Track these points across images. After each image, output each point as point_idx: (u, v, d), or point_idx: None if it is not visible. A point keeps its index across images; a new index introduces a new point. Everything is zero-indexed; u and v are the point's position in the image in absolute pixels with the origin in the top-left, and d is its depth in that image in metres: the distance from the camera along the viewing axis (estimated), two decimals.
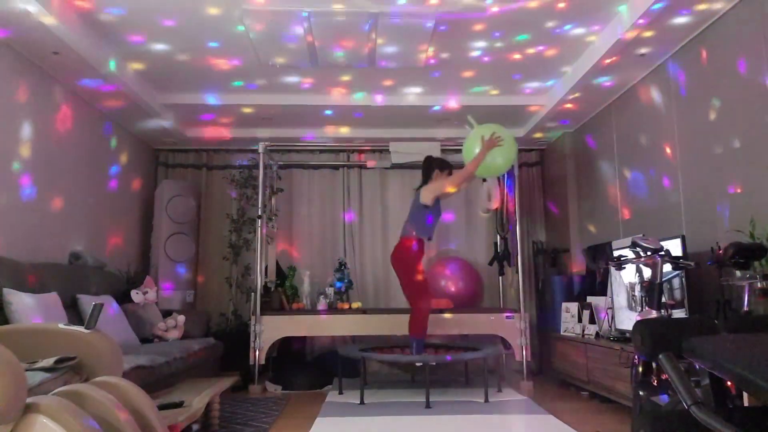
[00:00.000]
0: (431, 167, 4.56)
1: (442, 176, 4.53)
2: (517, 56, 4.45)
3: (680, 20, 3.58)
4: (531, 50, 4.35)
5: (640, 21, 3.53)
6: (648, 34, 3.74)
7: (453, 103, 5.25)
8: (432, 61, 4.51)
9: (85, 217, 4.71)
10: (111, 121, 5.21)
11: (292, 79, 4.84)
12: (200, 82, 4.90)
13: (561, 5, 3.67)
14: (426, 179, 4.56)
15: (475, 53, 4.38)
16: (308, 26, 3.82)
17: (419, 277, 4.36)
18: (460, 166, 4.54)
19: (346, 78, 4.84)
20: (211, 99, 5.17)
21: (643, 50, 4.00)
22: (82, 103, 4.67)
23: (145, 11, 3.70)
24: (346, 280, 5.54)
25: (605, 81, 4.55)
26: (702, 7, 3.42)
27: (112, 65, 4.21)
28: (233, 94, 5.16)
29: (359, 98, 5.22)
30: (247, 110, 5.39)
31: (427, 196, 4.41)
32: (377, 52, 4.21)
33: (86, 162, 4.75)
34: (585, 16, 3.82)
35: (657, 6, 3.34)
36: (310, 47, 4.13)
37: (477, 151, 4.31)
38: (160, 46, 4.20)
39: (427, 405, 4.05)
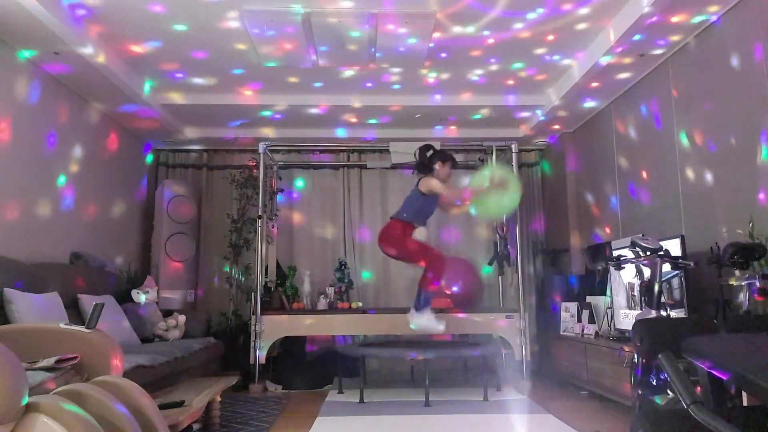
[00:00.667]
0: (433, 159, 4.35)
1: (444, 168, 4.41)
2: (520, 61, 4.46)
3: (680, 17, 3.59)
4: (542, 38, 4.36)
5: (647, 9, 3.52)
6: (648, 30, 3.75)
7: (457, 101, 5.27)
8: (434, 58, 4.51)
9: (86, 217, 4.71)
10: (113, 122, 5.22)
11: (292, 79, 4.85)
12: (201, 83, 4.91)
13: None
14: (426, 168, 4.36)
15: (483, 49, 4.40)
16: (308, 26, 3.82)
17: (412, 243, 4.23)
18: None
19: (346, 78, 4.84)
20: (212, 99, 5.18)
21: (644, 50, 4.00)
22: (85, 106, 4.68)
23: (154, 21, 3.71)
24: (346, 280, 5.54)
25: (605, 80, 4.55)
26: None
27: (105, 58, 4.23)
28: (234, 94, 5.16)
29: (359, 98, 5.23)
30: (248, 110, 5.39)
31: (426, 186, 4.31)
32: (378, 51, 4.22)
33: (87, 162, 4.76)
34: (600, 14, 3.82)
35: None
36: (310, 47, 4.13)
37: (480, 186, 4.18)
38: (160, 48, 4.21)
39: (427, 404, 4.05)
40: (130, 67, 4.53)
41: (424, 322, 4.26)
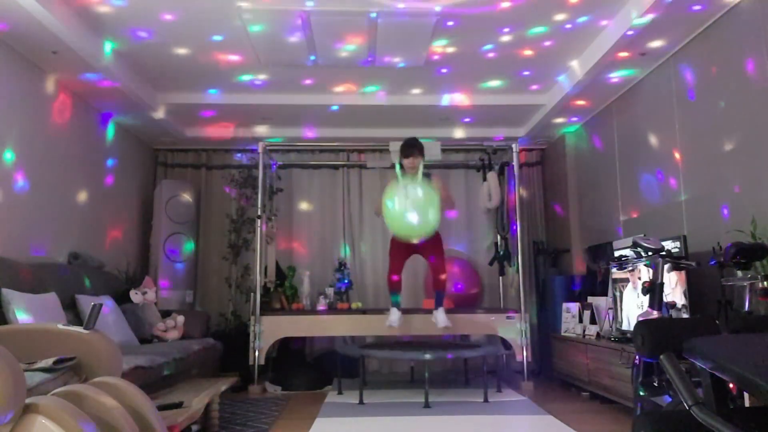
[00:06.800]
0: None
1: (407, 160, 4.35)
2: (527, 52, 4.42)
3: (684, 17, 3.57)
4: (536, 46, 4.34)
5: (644, 18, 3.51)
6: (649, 32, 3.74)
7: (457, 101, 5.24)
8: (435, 57, 4.49)
9: (84, 217, 4.70)
10: (111, 121, 5.21)
11: (291, 78, 4.84)
12: (200, 81, 4.90)
13: None
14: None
15: (483, 48, 4.38)
16: (308, 24, 3.81)
17: (390, 253, 4.63)
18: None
19: (346, 77, 4.83)
20: (211, 98, 5.16)
21: (645, 48, 3.99)
22: (83, 104, 4.66)
23: (145, 4, 3.70)
24: (346, 280, 5.53)
25: (608, 78, 4.53)
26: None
27: (108, 57, 4.21)
28: (233, 93, 5.14)
29: (359, 97, 5.21)
30: (247, 109, 5.38)
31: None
32: (378, 50, 4.21)
33: (86, 162, 4.75)
34: (591, 8, 3.79)
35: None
36: (310, 45, 4.12)
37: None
38: (159, 42, 4.20)
39: (426, 405, 4.04)
40: (148, 84, 4.53)
41: (390, 318, 4.49)
